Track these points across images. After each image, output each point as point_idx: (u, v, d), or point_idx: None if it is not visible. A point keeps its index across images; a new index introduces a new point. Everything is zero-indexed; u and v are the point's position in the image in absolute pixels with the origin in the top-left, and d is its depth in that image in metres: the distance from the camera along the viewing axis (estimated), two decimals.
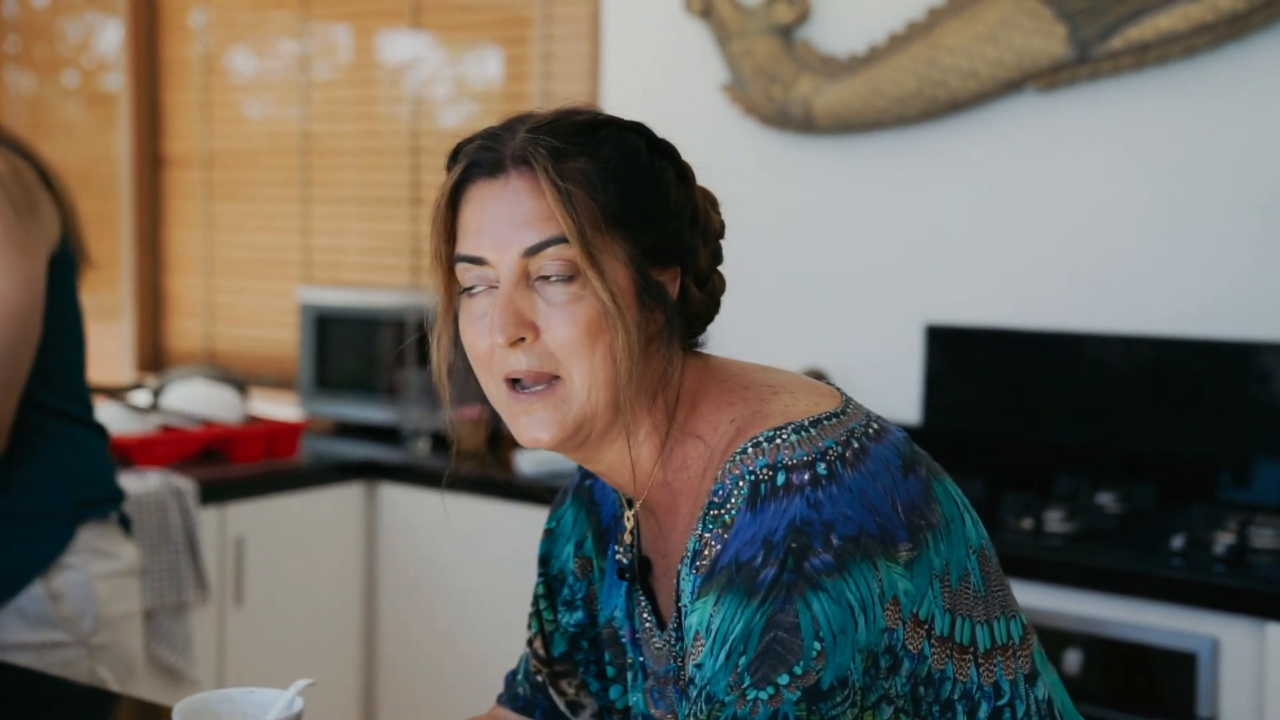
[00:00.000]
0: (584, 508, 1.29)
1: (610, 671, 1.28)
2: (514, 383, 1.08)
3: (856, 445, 1.03)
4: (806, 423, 1.04)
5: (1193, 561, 2.14)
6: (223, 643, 2.91)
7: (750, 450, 1.03)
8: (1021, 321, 2.75)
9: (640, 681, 1.22)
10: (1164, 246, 2.60)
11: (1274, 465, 2.45)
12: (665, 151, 1.13)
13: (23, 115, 4.54)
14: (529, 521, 2.71)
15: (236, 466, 3.03)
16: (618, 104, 3.21)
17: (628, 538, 1.19)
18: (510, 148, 1.07)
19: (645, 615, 1.18)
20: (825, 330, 2.97)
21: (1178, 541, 2.19)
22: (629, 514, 1.18)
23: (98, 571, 1.86)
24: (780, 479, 1.01)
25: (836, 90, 2.86)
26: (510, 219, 1.06)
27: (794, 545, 0.98)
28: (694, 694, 1.01)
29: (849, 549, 0.98)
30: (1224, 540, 2.17)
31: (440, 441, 3.25)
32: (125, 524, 1.96)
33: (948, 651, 1.04)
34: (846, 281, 2.94)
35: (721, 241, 1.18)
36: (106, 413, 2.98)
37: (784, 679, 0.96)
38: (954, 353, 2.80)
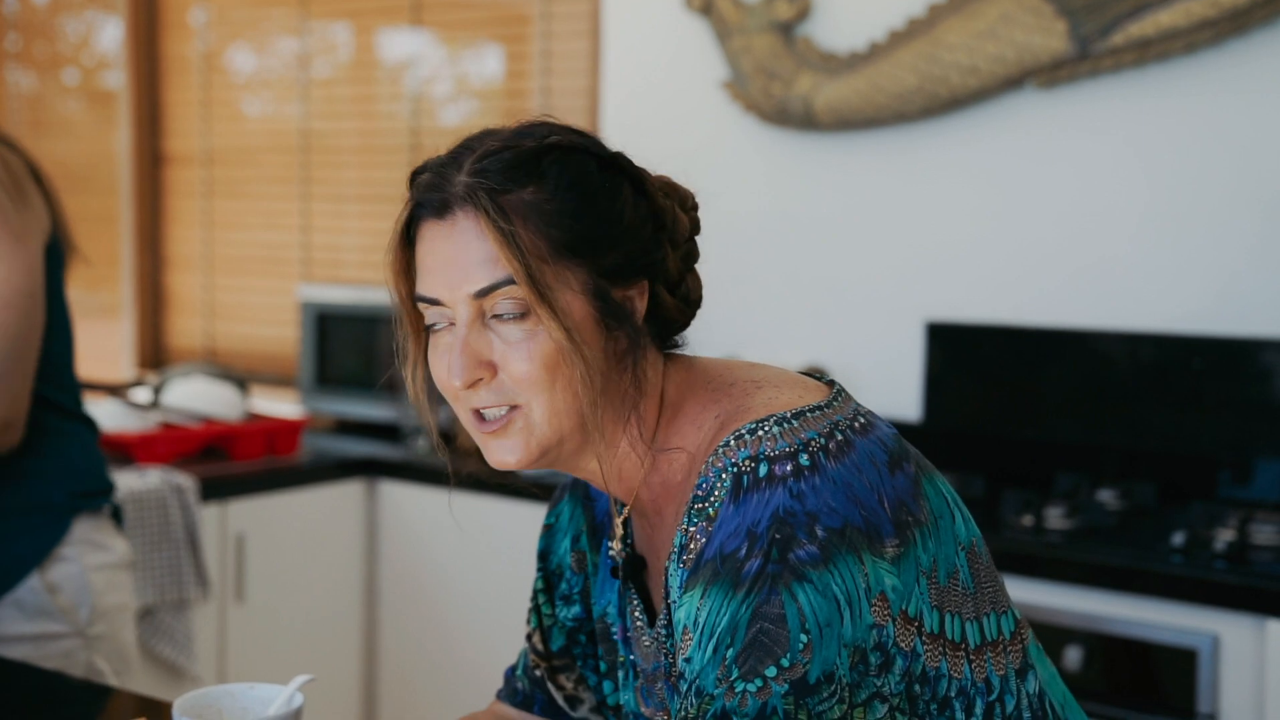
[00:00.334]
0: (579, 503, 1.29)
1: (603, 667, 1.28)
2: (479, 412, 1.09)
3: (840, 437, 1.03)
4: (789, 415, 1.04)
5: (1193, 558, 2.14)
6: (223, 639, 2.91)
7: (733, 443, 1.03)
8: (1022, 318, 2.74)
9: (631, 680, 1.22)
10: (1165, 243, 2.60)
11: (1274, 462, 2.44)
12: (617, 165, 1.11)
13: (23, 113, 4.54)
14: (528, 518, 2.71)
15: (237, 464, 3.04)
16: (618, 101, 3.21)
17: (617, 543, 1.19)
18: (455, 185, 1.06)
19: (637, 614, 1.18)
20: (825, 327, 2.97)
21: (1178, 538, 2.19)
22: (619, 519, 1.18)
23: (92, 563, 1.87)
24: (762, 470, 1.00)
25: (837, 87, 2.86)
26: (458, 261, 1.06)
27: (778, 536, 0.98)
28: (684, 688, 1.01)
29: (834, 541, 0.98)
30: (1224, 537, 2.17)
31: (441, 439, 3.24)
32: (117, 516, 1.97)
33: (940, 649, 1.04)
34: (847, 278, 2.94)
35: (698, 239, 1.17)
36: (107, 410, 2.98)
37: (771, 671, 0.96)
38: (954, 350, 2.80)
